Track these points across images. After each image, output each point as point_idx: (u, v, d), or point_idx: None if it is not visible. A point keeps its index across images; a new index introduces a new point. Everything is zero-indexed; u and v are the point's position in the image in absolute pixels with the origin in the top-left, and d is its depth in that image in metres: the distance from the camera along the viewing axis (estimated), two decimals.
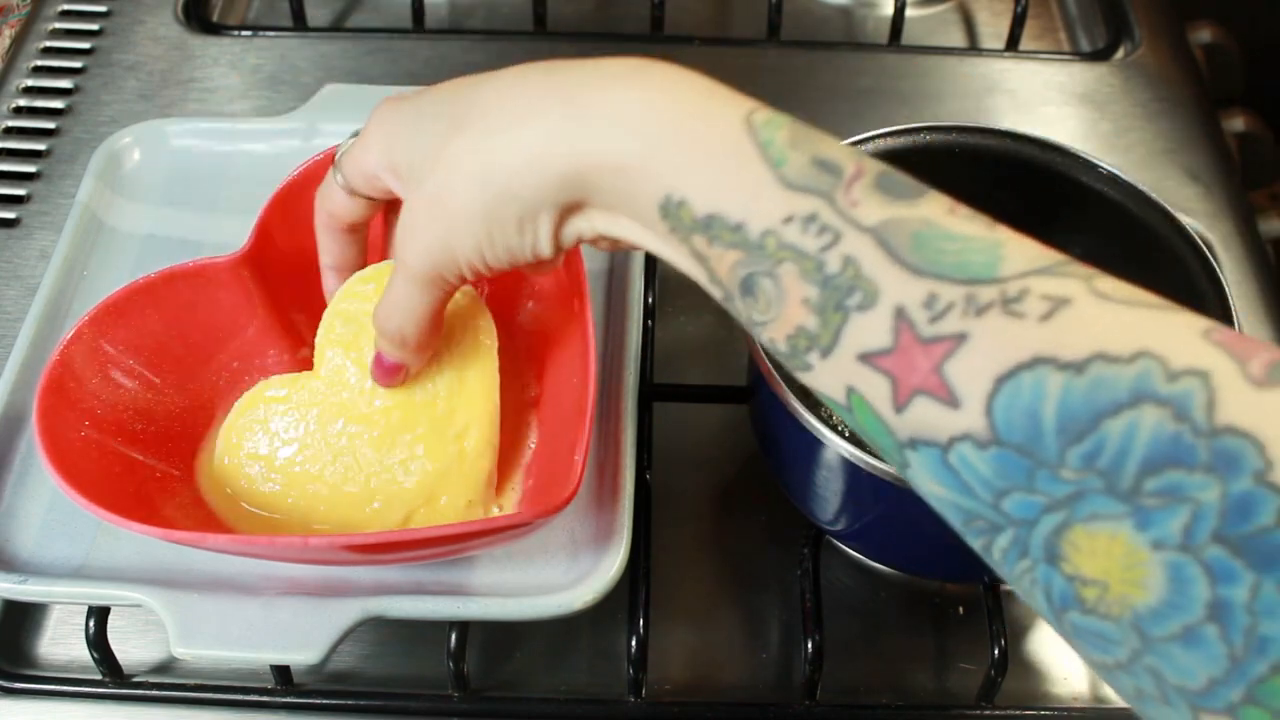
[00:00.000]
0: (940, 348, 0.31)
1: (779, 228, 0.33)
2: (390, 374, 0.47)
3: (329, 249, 0.50)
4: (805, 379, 0.35)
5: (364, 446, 0.49)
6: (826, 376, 0.34)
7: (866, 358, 0.32)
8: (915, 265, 0.32)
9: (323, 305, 0.58)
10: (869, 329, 0.32)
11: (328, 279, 0.51)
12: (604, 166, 0.36)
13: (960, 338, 0.31)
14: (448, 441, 0.49)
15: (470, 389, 0.49)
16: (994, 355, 0.30)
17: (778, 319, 0.34)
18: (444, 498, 0.49)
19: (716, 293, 0.37)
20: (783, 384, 0.48)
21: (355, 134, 0.45)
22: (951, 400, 0.31)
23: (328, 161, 0.56)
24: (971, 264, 0.31)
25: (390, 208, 0.48)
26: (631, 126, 0.36)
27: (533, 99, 0.37)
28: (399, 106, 0.43)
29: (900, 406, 0.32)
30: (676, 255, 0.37)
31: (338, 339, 0.49)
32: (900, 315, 0.32)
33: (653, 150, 0.35)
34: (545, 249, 0.40)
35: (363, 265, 0.51)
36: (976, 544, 0.33)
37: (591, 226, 0.39)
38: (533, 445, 0.54)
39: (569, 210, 0.38)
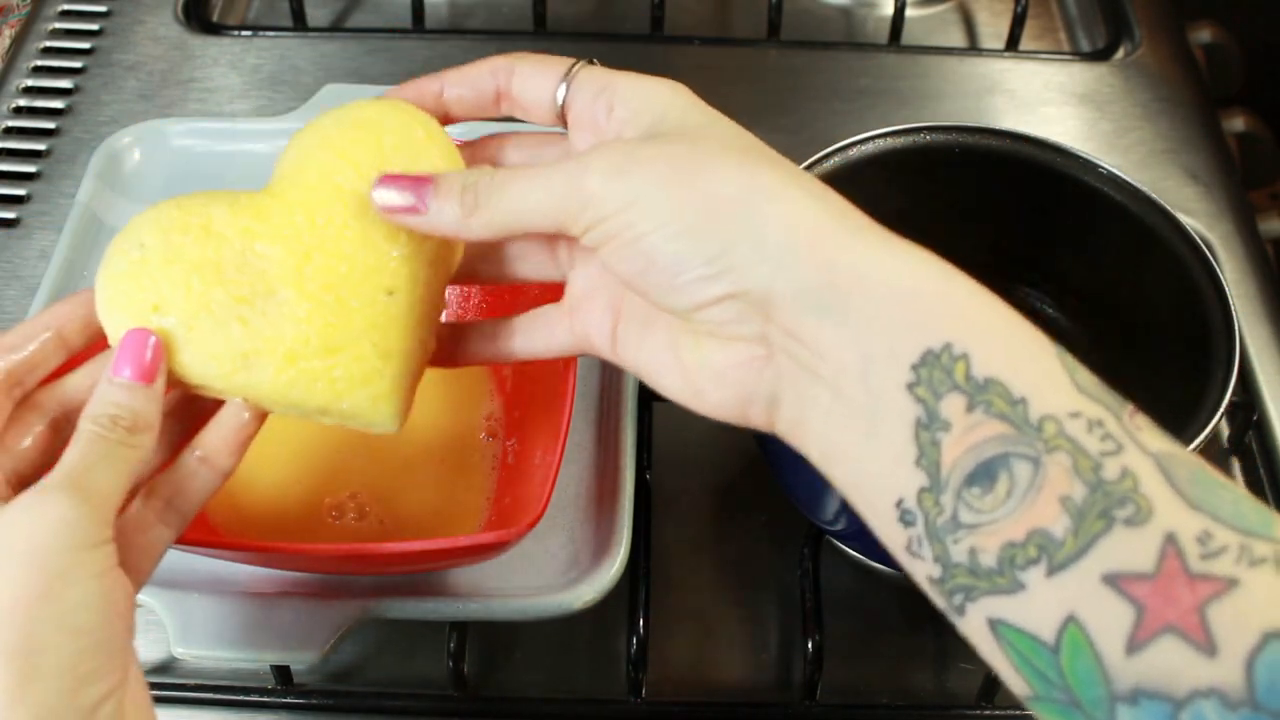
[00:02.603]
0: (1208, 586, 0.28)
1: (1064, 418, 0.31)
2: (401, 209, 0.39)
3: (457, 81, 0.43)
4: (991, 607, 0.30)
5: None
6: (1043, 600, 0.30)
7: (1116, 579, 0.29)
8: (1193, 500, 0.29)
9: None
10: (1131, 547, 0.29)
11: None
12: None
13: (1232, 582, 0.28)
14: (377, 290, 0.40)
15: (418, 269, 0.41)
16: (1266, 609, 0.27)
17: (1010, 517, 0.30)
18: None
19: (898, 471, 0.32)
20: None
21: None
22: (1207, 646, 0.27)
23: None
24: (1247, 516, 0.29)
25: None
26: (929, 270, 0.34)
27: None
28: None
29: (1138, 645, 0.28)
30: (882, 401, 0.32)
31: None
32: (1171, 541, 0.29)
33: (947, 295, 0.33)
34: (692, 303, 0.36)
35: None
36: None
37: (756, 330, 0.36)
38: (511, 462, 0.54)
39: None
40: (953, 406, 0.31)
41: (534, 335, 0.43)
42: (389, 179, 0.39)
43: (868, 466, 0.33)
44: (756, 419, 0.37)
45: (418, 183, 0.39)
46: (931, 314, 0.33)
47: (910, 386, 0.32)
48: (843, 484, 0.35)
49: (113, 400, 0.37)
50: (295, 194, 0.41)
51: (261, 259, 0.40)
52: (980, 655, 0.32)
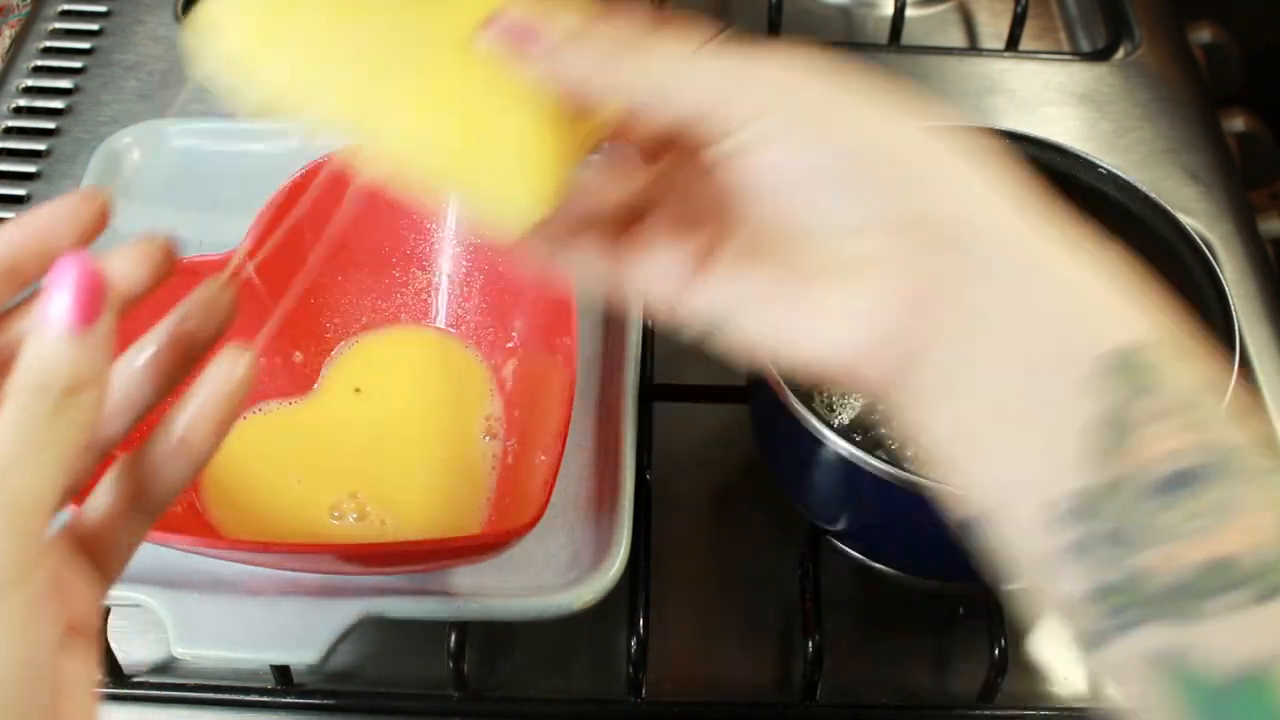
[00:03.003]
0: None
1: (1254, 438, 0.27)
2: (521, 35, 0.32)
3: None
4: (1160, 636, 0.26)
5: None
6: (1238, 631, 0.25)
7: None
8: None
9: (318, 309, 0.58)
10: None
11: None
12: None
13: None
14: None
15: None
16: None
17: (1217, 528, 0.26)
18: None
19: (1065, 452, 0.27)
20: (783, 384, 0.48)
21: None
22: None
23: (329, 164, 0.56)
24: None
25: None
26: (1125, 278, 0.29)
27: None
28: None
29: None
30: (1056, 386, 0.28)
31: None
32: None
33: (1145, 296, 0.29)
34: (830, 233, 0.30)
35: None
36: None
37: (911, 273, 0.30)
38: (510, 462, 0.54)
39: None
40: (1143, 409, 0.27)
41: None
42: (496, 23, 0.32)
43: (1016, 457, 0.28)
44: (871, 376, 0.30)
45: (530, 30, 0.32)
46: (1131, 310, 0.28)
47: (1094, 377, 0.27)
48: (968, 473, 0.30)
49: (39, 357, 0.27)
50: None
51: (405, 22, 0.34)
52: (1115, 691, 0.28)
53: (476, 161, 0.34)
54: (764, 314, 0.32)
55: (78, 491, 0.30)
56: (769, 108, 0.30)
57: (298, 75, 0.34)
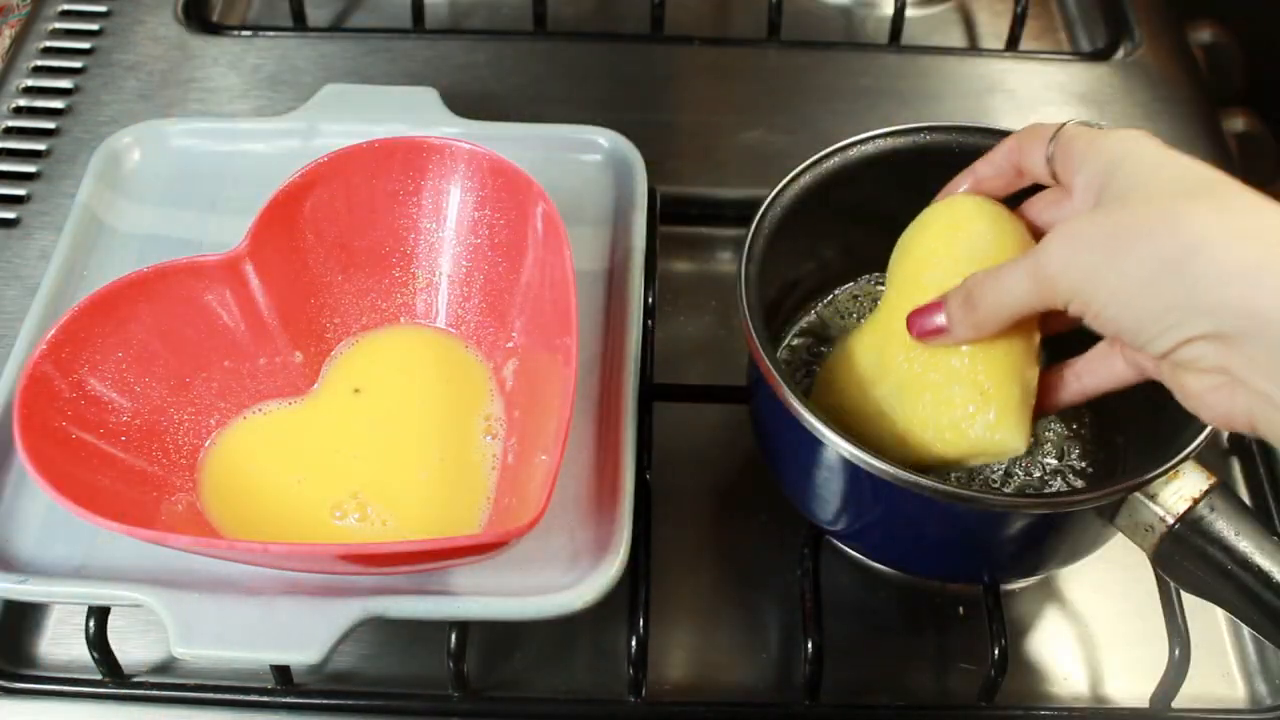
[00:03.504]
0: None
1: None
2: (934, 331, 0.47)
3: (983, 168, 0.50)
4: None
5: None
6: None
7: None
8: None
9: (317, 309, 0.58)
10: None
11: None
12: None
13: None
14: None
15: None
16: None
17: None
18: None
19: None
20: (783, 384, 0.47)
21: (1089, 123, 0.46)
22: None
23: (328, 165, 0.56)
24: None
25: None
26: None
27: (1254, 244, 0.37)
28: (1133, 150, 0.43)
29: None
30: None
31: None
32: None
33: None
34: (1158, 348, 0.40)
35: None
36: None
37: (1218, 363, 0.39)
38: (511, 462, 0.54)
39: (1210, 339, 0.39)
40: None
41: (1097, 373, 0.47)
42: (914, 313, 0.47)
43: None
44: (1241, 429, 0.40)
45: (931, 308, 0.47)
46: None
47: None
48: None
49: None
50: (898, 294, 0.50)
51: (873, 367, 0.49)
52: None
53: (968, 446, 0.47)
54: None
55: None
56: (1070, 291, 0.41)
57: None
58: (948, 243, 0.49)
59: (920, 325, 0.47)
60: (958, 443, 0.47)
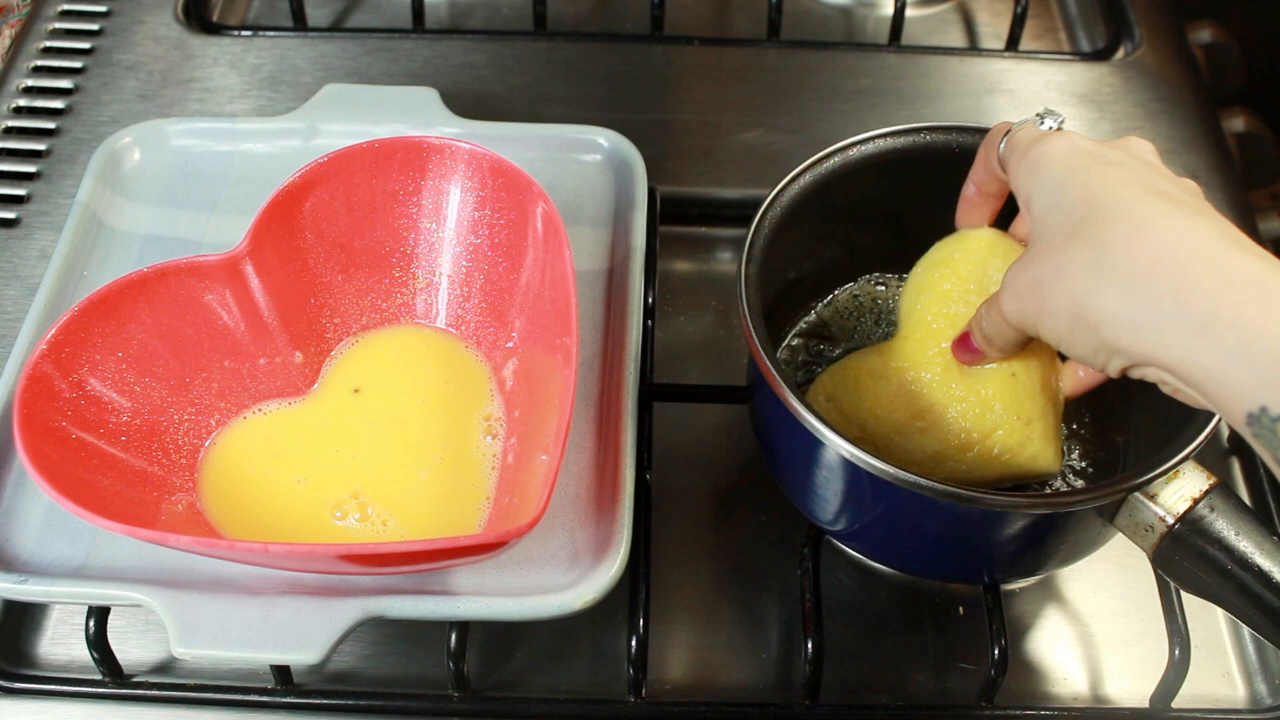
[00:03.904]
0: None
1: None
2: (973, 354, 0.50)
3: (964, 190, 0.53)
4: None
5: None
6: None
7: None
8: None
9: (317, 309, 0.58)
10: None
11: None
12: (1198, 368, 0.38)
13: None
14: (1004, 377, 0.51)
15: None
16: None
17: None
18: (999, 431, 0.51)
19: None
20: (783, 384, 0.47)
21: (1044, 114, 0.48)
22: None
23: (328, 165, 0.56)
24: None
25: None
26: (1245, 353, 0.37)
27: (1173, 274, 0.38)
28: (1073, 164, 0.44)
29: None
30: (1255, 445, 0.38)
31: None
32: None
33: (1255, 370, 0.36)
34: (1111, 373, 0.42)
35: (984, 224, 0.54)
36: None
37: (1163, 380, 0.40)
38: (511, 462, 0.54)
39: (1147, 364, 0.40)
40: None
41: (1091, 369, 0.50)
42: (956, 343, 0.51)
43: None
44: None
45: (964, 338, 0.50)
46: (1250, 383, 0.36)
47: (1255, 437, 0.37)
48: None
49: None
50: (919, 332, 0.52)
51: (917, 383, 0.51)
52: None
53: (1011, 472, 0.51)
54: None
55: None
56: (1028, 327, 0.45)
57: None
58: (957, 279, 0.53)
59: (960, 353, 0.51)
60: (999, 468, 0.51)
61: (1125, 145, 0.44)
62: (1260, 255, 0.38)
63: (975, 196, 0.52)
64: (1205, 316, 0.37)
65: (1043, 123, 0.47)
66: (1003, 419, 0.50)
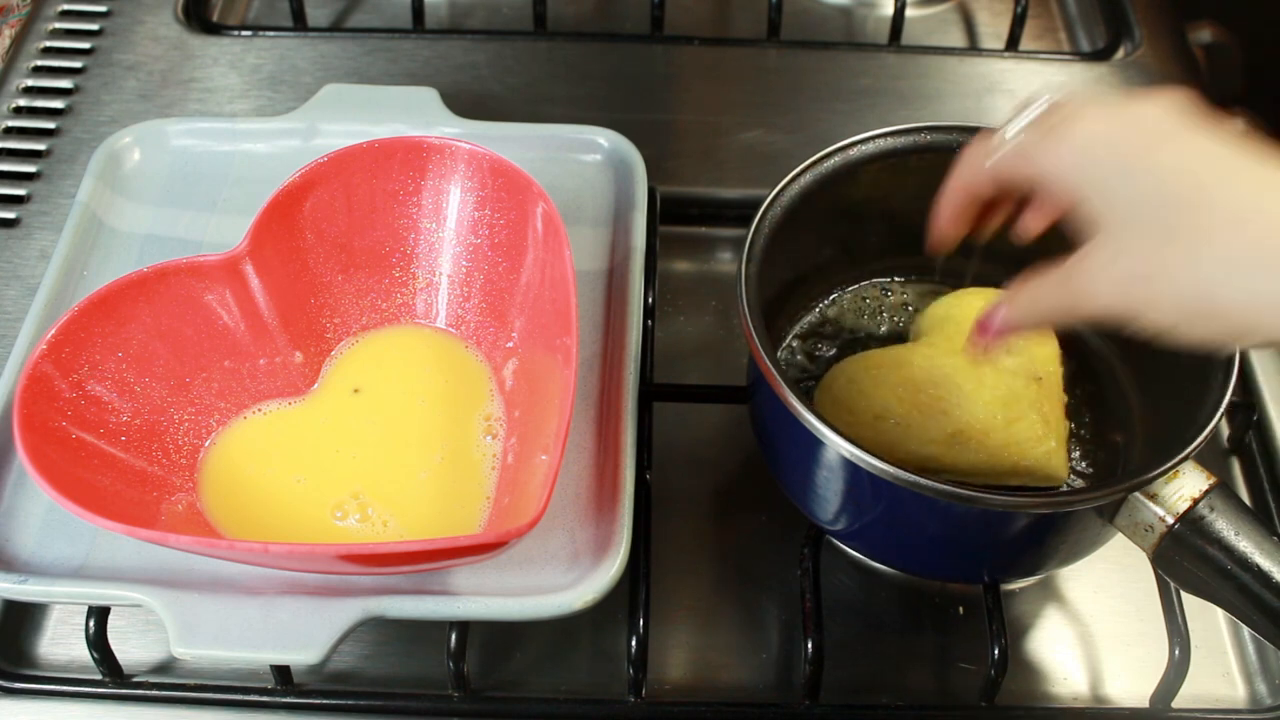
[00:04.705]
0: None
1: None
2: (994, 335, 0.47)
3: (947, 198, 0.50)
4: None
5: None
6: None
7: None
8: None
9: (318, 309, 0.58)
10: None
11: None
12: None
13: None
14: (1029, 379, 0.54)
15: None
16: None
17: None
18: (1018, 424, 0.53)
19: None
20: (783, 384, 0.47)
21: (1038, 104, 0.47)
22: None
23: (328, 165, 0.56)
24: None
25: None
26: None
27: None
28: (1118, 147, 0.43)
29: None
30: None
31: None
32: None
33: None
34: (1222, 353, 0.45)
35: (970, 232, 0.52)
36: None
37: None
38: (511, 462, 0.54)
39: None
40: None
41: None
42: (978, 328, 0.47)
43: None
44: None
45: (984, 325, 0.47)
46: None
47: None
48: None
49: None
50: (948, 329, 0.56)
51: (945, 367, 0.54)
52: None
53: (1024, 465, 0.53)
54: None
55: None
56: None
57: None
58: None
59: (980, 336, 0.48)
60: (1014, 458, 0.53)
61: (1162, 104, 0.44)
62: None
63: (964, 199, 0.49)
64: None
65: (1029, 113, 0.47)
66: (1027, 411, 0.52)
